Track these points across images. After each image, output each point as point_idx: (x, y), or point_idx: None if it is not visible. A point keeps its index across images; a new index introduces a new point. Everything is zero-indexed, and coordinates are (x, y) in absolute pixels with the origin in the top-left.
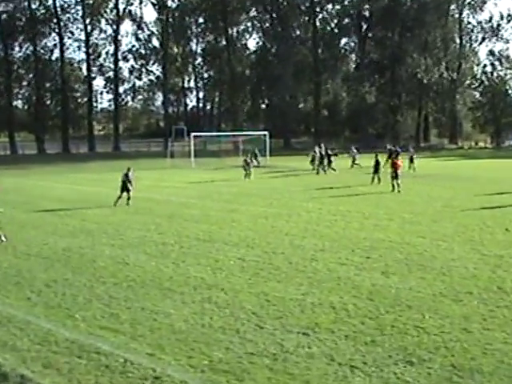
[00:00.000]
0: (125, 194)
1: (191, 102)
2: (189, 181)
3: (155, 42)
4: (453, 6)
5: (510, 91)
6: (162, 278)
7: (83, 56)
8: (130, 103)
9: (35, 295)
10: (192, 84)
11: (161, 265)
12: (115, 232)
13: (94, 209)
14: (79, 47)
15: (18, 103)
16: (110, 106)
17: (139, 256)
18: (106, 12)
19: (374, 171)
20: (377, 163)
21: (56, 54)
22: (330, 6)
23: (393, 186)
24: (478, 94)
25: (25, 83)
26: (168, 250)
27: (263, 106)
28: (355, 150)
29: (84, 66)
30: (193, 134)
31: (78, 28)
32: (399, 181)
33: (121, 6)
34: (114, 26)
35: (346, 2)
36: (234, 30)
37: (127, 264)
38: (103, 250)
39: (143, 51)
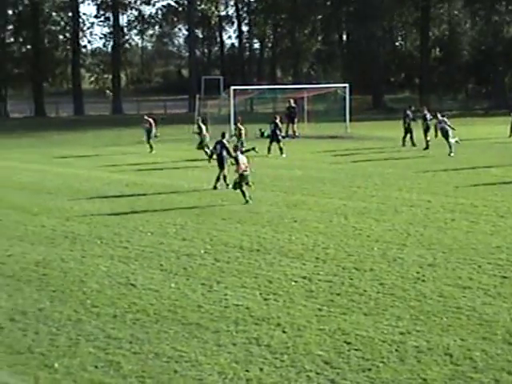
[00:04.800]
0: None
1: (230, 39)
2: None
3: None
4: None
5: None
6: (186, 307)
7: None
8: (138, 41)
9: None
10: (231, 12)
11: (185, 287)
12: (115, 238)
13: (82, 201)
14: None
15: None
16: (105, 45)
17: (152, 274)
18: None
19: None
20: None
21: None
22: None
23: None
24: None
25: None
26: (196, 264)
27: (341, 44)
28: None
29: None
30: (233, 87)
31: None
32: None
33: None
34: None
35: None
36: None
37: (133, 286)
38: (97, 264)
39: None
